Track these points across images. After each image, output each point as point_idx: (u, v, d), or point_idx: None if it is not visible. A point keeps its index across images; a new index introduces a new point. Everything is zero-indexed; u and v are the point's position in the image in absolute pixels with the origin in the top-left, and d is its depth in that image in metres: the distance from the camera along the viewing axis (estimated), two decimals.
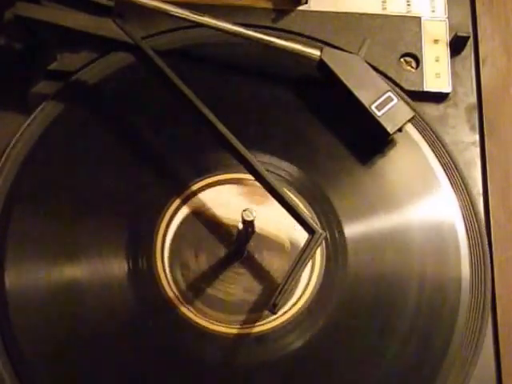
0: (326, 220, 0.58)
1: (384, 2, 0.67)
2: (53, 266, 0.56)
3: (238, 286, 0.57)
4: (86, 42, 0.62)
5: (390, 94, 0.60)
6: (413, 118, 0.60)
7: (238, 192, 0.59)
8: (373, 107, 0.60)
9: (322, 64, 0.61)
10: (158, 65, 0.59)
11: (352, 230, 0.58)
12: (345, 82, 0.60)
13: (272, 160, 0.60)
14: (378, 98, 0.60)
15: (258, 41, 0.61)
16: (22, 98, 0.62)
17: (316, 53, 0.61)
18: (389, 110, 0.60)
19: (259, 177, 0.56)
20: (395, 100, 0.60)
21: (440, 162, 0.61)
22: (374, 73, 0.61)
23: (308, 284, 0.57)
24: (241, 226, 0.54)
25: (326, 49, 0.62)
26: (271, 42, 0.61)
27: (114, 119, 0.62)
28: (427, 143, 0.62)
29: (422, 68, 0.64)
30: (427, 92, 0.64)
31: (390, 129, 0.60)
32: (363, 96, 0.60)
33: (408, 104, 0.61)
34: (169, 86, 0.59)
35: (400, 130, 0.60)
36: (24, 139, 0.60)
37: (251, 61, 0.63)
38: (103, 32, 0.62)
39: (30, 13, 0.60)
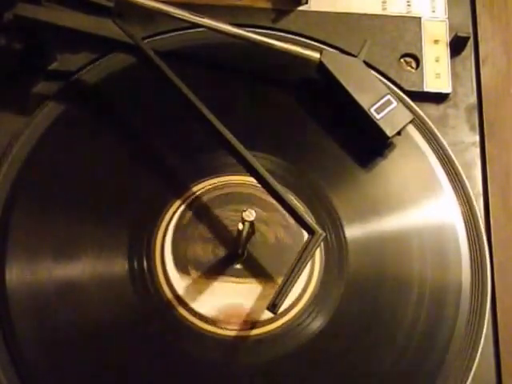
0: (326, 221, 0.59)
1: (384, 2, 0.67)
2: (53, 265, 0.56)
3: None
4: (86, 42, 0.62)
5: (389, 97, 0.60)
6: (412, 121, 0.60)
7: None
8: (372, 110, 0.60)
9: (321, 66, 0.61)
10: (158, 65, 0.59)
11: (352, 231, 0.58)
12: (344, 84, 0.60)
13: (272, 161, 0.60)
14: (378, 101, 0.60)
15: (258, 43, 0.61)
16: (22, 98, 0.62)
17: (315, 55, 0.61)
18: (388, 113, 0.60)
19: (259, 177, 0.56)
20: (394, 103, 0.60)
21: (440, 162, 0.61)
22: (373, 76, 0.61)
23: (308, 285, 0.57)
24: (241, 226, 0.54)
25: (326, 51, 0.62)
26: (271, 44, 0.61)
27: (114, 119, 0.62)
28: (427, 144, 0.62)
29: (422, 68, 0.64)
30: (427, 92, 0.63)
31: (389, 132, 0.60)
32: (362, 99, 0.60)
33: (407, 107, 0.61)
34: (169, 87, 0.59)
35: (399, 133, 0.60)
36: (24, 139, 0.60)
37: (251, 61, 0.63)
38: (103, 32, 0.62)
39: (30, 13, 0.60)
